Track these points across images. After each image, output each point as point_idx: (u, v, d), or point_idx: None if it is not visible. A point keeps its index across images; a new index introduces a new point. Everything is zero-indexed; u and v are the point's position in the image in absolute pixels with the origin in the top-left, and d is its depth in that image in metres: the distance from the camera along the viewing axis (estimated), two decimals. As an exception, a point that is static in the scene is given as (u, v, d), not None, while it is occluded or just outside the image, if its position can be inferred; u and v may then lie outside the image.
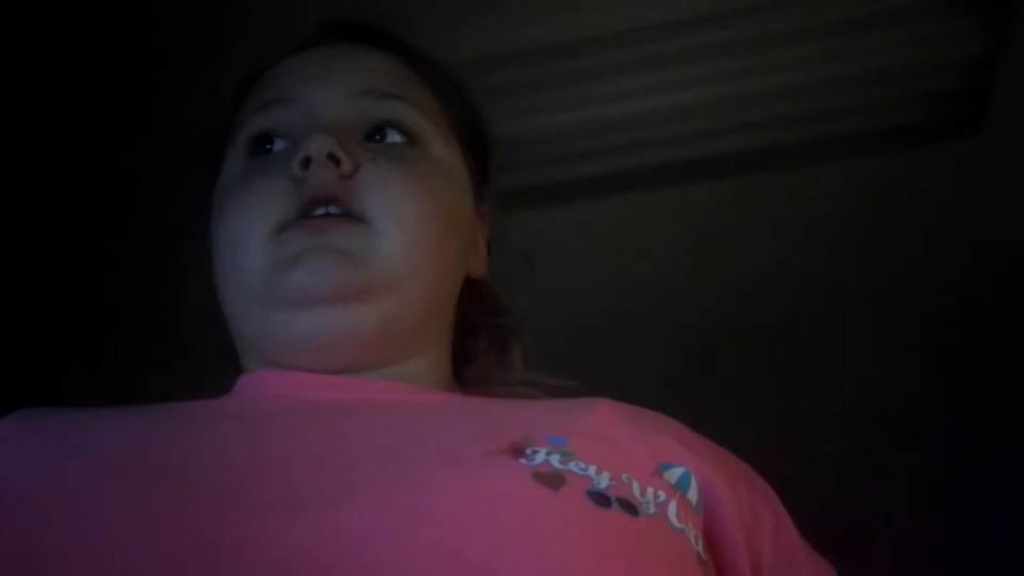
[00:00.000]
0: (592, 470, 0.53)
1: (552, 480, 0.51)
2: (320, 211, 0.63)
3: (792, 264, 1.75)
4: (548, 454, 0.53)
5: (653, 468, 0.56)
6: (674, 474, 0.57)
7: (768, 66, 1.48)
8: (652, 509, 0.53)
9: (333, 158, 0.63)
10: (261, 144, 0.68)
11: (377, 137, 0.68)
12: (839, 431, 1.93)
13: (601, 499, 0.51)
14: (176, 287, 0.76)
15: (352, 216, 0.63)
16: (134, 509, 0.49)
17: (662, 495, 0.54)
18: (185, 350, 0.71)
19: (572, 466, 0.52)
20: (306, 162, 0.63)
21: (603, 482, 0.52)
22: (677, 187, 1.63)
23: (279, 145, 0.67)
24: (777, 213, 1.68)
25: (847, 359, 1.89)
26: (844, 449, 1.93)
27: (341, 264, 0.61)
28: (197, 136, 0.76)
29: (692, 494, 0.57)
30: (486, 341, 0.76)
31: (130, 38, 1.38)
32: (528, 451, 0.53)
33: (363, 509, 0.49)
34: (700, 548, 0.54)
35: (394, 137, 0.68)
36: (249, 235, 0.63)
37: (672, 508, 0.54)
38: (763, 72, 1.49)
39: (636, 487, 0.53)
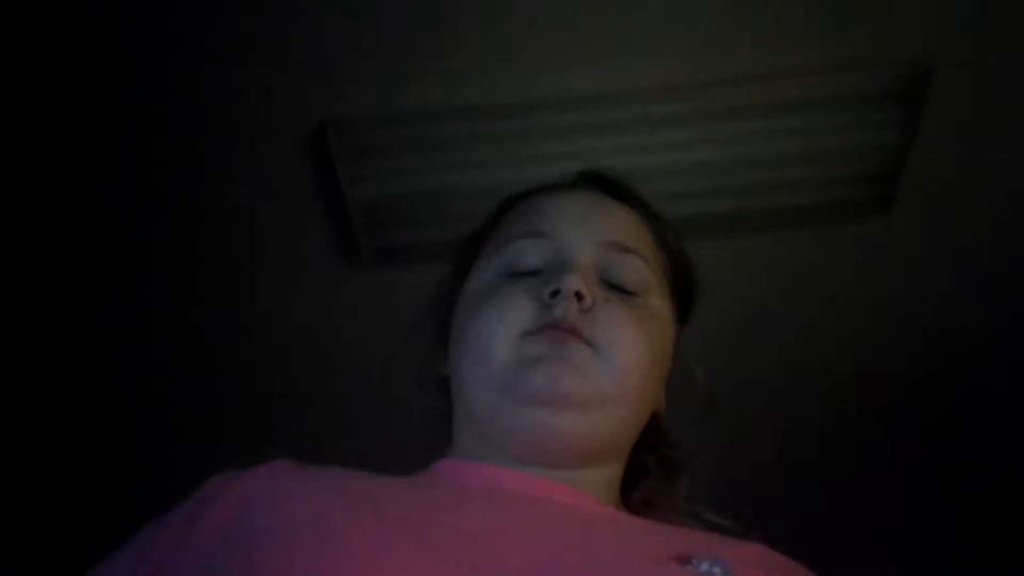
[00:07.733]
0: None
1: None
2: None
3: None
4: (712, 565, 0.62)
5: None
6: None
7: (687, 143, 1.52)
8: None
9: (578, 295, 0.76)
10: (515, 266, 0.82)
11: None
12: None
13: None
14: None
15: (583, 340, 0.75)
16: (385, 549, 0.61)
17: None
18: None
19: None
20: (555, 293, 0.76)
21: None
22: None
23: (529, 268, 0.82)
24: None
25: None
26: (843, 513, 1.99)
27: (573, 375, 0.74)
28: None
29: None
30: (656, 468, 0.87)
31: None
32: (694, 561, 0.63)
33: None
34: None
35: (625, 284, 0.81)
36: (498, 333, 0.77)
37: None
38: (687, 147, 1.53)
39: None
